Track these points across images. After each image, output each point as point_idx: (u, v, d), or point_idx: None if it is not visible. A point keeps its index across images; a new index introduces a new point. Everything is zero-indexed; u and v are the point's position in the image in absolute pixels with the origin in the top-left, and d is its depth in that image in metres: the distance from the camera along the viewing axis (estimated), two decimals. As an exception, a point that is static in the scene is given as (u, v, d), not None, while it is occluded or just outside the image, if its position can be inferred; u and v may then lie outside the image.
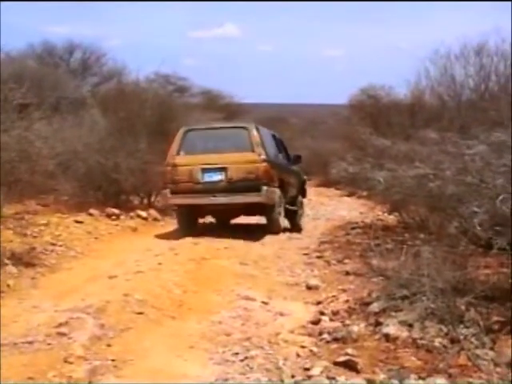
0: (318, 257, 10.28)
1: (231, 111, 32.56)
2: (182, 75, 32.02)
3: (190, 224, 12.39)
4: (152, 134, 15.76)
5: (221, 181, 11.74)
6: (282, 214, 12.56)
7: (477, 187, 6.84)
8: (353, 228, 13.12)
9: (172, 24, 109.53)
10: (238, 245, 11.01)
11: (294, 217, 13.72)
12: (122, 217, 13.14)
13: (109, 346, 5.46)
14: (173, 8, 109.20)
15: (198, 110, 22.29)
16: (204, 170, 11.78)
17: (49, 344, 5.43)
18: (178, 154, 12.10)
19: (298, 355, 5.46)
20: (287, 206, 12.96)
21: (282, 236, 12.62)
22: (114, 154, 13.83)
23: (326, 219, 16.14)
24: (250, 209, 12.39)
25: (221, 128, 12.88)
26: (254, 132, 12.03)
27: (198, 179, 11.81)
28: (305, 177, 15.84)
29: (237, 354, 5.45)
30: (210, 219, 13.95)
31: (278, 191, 12.08)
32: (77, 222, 11.73)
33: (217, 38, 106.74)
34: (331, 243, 11.49)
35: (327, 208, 17.72)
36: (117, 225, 12.63)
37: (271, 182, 11.85)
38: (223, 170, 11.72)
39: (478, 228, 6.24)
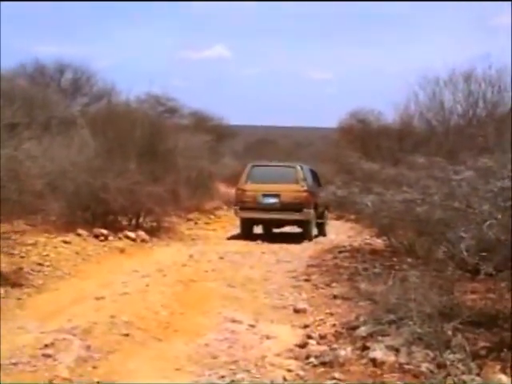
0: (306, 280, 10.28)
1: (220, 133, 32.57)
2: (171, 96, 31.93)
3: (249, 230, 17.13)
4: (141, 154, 15.77)
5: (276, 203, 16.48)
6: (314, 226, 17.25)
7: (464, 212, 6.87)
8: (340, 252, 13.14)
9: (161, 45, 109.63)
10: (226, 267, 11.02)
11: (321, 226, 18.16)
12: (110, 237, 13.09)
13: (94, 367, 5.44)
14: (162, 29, 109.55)
15: (187, 131, 22.20)
16: (264, 195, 16.54)
17: (34, 365, 5.39)
18: (246, 182, 16.95)
19: (285, 379, 5.45)
20: (317, 220, 17.43)
21: (270, 259, 12.65)
22: (103, 173, 13.77)
23: (313, 242, 16.17)
24: (294, 222, 17.15)
25: (276, 166, 18.06)
26: (299, 171, 16.97)
27: (260, 201, 16.58)
28: None
29: (223, 377, 5.43)
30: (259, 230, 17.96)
31: (312, 211, 16.67)
32: (65, 242, 11.67)
33: (206, 60, 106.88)
34: (319, 266, 11.51)
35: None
36: (104, 245, 12.59)
37: (309, 205, 16.50)
38: (277, 196, 16.53)
39: (465, 253, 6.26)
